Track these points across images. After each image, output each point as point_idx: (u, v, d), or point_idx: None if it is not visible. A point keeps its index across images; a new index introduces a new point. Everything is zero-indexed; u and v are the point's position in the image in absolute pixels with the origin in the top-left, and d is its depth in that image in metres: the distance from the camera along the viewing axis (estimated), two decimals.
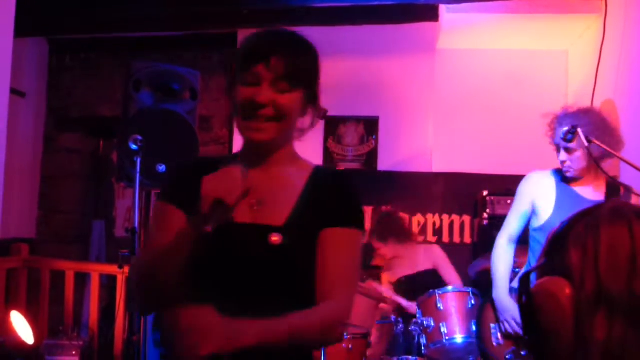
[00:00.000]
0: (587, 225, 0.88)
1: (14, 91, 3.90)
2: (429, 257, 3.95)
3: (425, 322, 3.41)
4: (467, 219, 4.64)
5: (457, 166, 4.63)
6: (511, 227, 2.97)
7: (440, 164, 4.70)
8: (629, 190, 2.70)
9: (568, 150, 2.72)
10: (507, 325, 2.93)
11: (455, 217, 4.65)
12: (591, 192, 2.78)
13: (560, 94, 4.58)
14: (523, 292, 0.90)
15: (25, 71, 4.90)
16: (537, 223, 2.88)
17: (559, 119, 2.75)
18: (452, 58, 4.74)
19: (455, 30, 4.40)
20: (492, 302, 3.02)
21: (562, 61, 4.68)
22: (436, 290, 3.45)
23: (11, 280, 4.21)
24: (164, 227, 1.42)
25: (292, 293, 1.39)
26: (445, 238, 4.65)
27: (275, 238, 1.38)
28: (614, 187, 2.76)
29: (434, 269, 3.91)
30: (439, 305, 3.42)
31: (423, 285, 3.63)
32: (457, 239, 4.65)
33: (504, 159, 4.47)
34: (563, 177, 2.84)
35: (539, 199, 2.86)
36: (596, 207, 0.92)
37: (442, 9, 4.28)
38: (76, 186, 5.30)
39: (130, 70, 3.34)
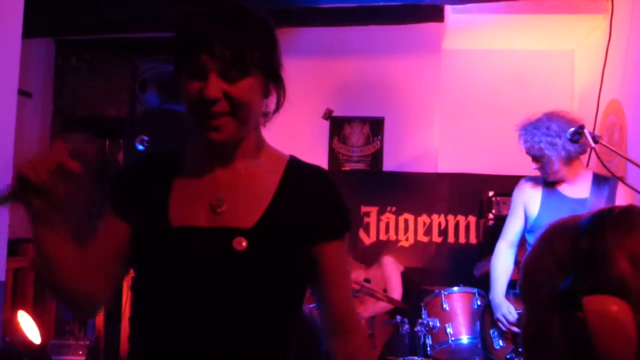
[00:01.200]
0: (620, 232, 0.80)
1: (20, 91, 3.90)
2: (389, 267, 4.12)
3: (431, 323, 3.41)
4: (472, 219, 4.63)
5: (462, 166, 4.63)
6: (508, 232, 3.06)
7: (445, 165, 4.69)
8: (619, 180, 2.76)
9: (535, 159, 2.84)
10: (500, 325, 2.99)
11: (460, 218, 4.65)
12: (575, 190, 2.86)
13: (566, 94, 4.58)
14: (570, 315, 0.79)
15: (32, 72, 4.92)
16: (527, 225, 2.97)
17: (532, 126, 2.83)
18: (457, 58, 4.73)
19: (461, 30, 4.39)
20: (489, 305, 3.07)
21: (568, 61, 4.66)
22: (442, 291, 3.45)
23: (18, 280, 4.22)
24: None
25: (258, 306, 1.23)
26: (451, 238, 4.64)
27: (243, 243, 1.20)
28: (599, 182, 2.81)
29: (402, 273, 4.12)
30: (444, 306, 3.41)
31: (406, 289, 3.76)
32: (462, 239, 4.64)
33: (509, 159, 4.42)
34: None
35: (528, 203, 2.95)
36: (609, 212, 0.84)
37: (448, 9, 4.28)
38: (81, 186, 5.31)
39: (136, 70, 3.34)
